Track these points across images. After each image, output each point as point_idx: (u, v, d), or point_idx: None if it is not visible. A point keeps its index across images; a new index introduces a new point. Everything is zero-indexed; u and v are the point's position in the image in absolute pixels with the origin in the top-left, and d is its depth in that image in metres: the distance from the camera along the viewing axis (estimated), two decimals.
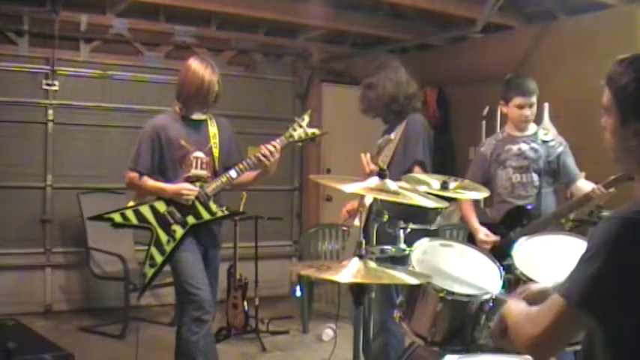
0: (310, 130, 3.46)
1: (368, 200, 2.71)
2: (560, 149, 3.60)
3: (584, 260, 1.42)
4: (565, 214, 3.70)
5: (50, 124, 5.77)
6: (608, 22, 5.18)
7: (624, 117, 1.49)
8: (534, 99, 3.59)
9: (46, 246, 5.78)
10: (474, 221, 3.63)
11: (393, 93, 3.40)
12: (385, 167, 2.44)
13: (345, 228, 3.61)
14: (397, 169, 3.11)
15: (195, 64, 3.40)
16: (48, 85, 5.72)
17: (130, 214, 3.41)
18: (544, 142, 3.61)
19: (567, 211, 3.60)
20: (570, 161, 3.61)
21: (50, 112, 5.76)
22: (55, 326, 5.34)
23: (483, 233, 3.54)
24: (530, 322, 1.49)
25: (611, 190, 3.19)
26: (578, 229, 4.25)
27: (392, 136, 2.67)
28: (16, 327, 3.97)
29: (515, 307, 1.65)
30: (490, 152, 3.72)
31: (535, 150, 3.59)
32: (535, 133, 3.66)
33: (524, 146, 3.61)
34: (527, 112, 3.59)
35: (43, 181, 5.77)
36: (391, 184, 2.31)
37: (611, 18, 5.18)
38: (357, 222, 3.41)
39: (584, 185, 3.53)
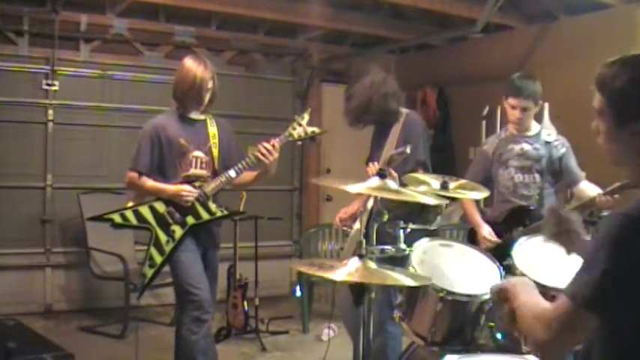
0: (310, 129, 3.46)
1: (369, 203, 2.71)
2: (563, 150, 3.58)
3: (589, 260, 1.42)
4: None
5: (50, 124, 5.76)
6: (608, 22, 5.17)
7: (620, 120, 1.48)
8: (528, 103, 3.50)
9: (46, 246, 5.77)
10: (477, 217, 3.60)
11: (368, 96, 3.38)
12: (385, 168, 2.44)
13: (345, 228, 3.60)
14: (399, 170, 3.10)
15: (189, 63, 3.41)
16: (48, 85, 5.72)
17: (129, 214, 3.41)
18: (547, 142, 3.58)
19: None
20: (573, 162, 3.59)
21: (50, 112, 5.75)
22: (55, 326, 5.34)
23: (487, 231, 3.52)
24: (540, 323, 1.47)
25: (616, 197, 3.17)
26: None
27: (407, 149, 2.67)
28: (16, 327, 3.98)
29: (525, 297, 1.61)
30: (492, 151, 3.70)
31: (537, 150, 3.57)
32: (538, 133, 3.63)
33: (526, 146, 3.60)
34: (517, 113, 3.54)
35: (43, 181, 5.77)
36: (392, 184, 2.31)
37: (611, 18, 5.17)
38: (357, 225, 3.42)
39: (586, 187, 3.52)
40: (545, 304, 1.53)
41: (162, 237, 3.37)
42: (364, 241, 2.24)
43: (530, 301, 1.58)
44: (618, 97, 1.48)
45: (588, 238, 2.75)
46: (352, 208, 3.56)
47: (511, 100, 3.54)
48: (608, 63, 1.51)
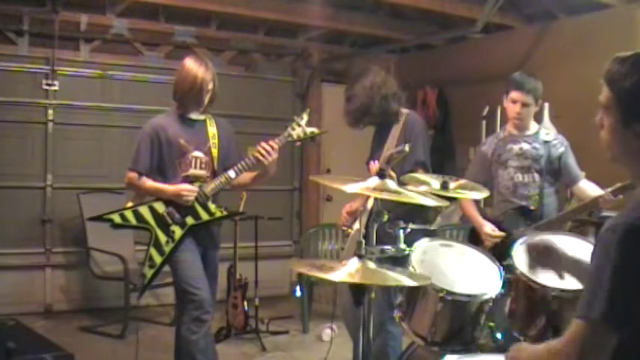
0: (309, 130, 3.46)
1: (369, 203, 2.71)
2: (562, 149, 3.58)
3: (595, 276, 1.39)
4: (570, 218, 3.68)
5: (50, 124, 5.76)
6: (608, 22, 5.17)
7: (626, 118, 1.47)
8: (529, 99, 3.51)
9: (46, 246, 5.78)
10: (478, 217, 3.59)
11: (368, 97, 3.38)
12: (385, 168, 2.44)
13: (345, 228, 3.60)
14: (398, 171, 3.10)
15: (189, 63, 3.41)
16: (48, 85, 5.72)
17: (129, 214, 3.40)
18: (545, 142, 3.59)
19: (572, 215, 3.58)
20: (572, 162, 3.59)
21: (50, 112, 5.75)
22: (55, 326, 5.34)
23: (490, 228, 3.51)
24: (555, 356, 1.41)
25: (619, 197, 3.17)
26: (578, 229, 4.25)
27: (406, 148, 2.66)
28: (16, 327, 3.97)
29: (528, 348, 1.56)
30: (491, 151, 3.70)
31: (536, 150, 3.57)
32: (536, 133, 3.63)
33: (525, 146, 3.60)
34: (517, 108, 3.54)
35: (43, 181, 5.77)
36: (391, 184, 2.31)
37: (611, 18, 5.17)
38: (357, 225, 3.42)
39: (586, 186, 3.52)
40: (542, 345, 1.47)
41: (162, 237, 3.37)
42: (364, 241, 2.23)
43: (531, 347, 1.53)
44: (626, 96, 1.46)
45: (590, 239, 2.75)
46: (357, 203, 3.55)
47: (512, 94, 3.54)
48: (620, 59, 1.49)
